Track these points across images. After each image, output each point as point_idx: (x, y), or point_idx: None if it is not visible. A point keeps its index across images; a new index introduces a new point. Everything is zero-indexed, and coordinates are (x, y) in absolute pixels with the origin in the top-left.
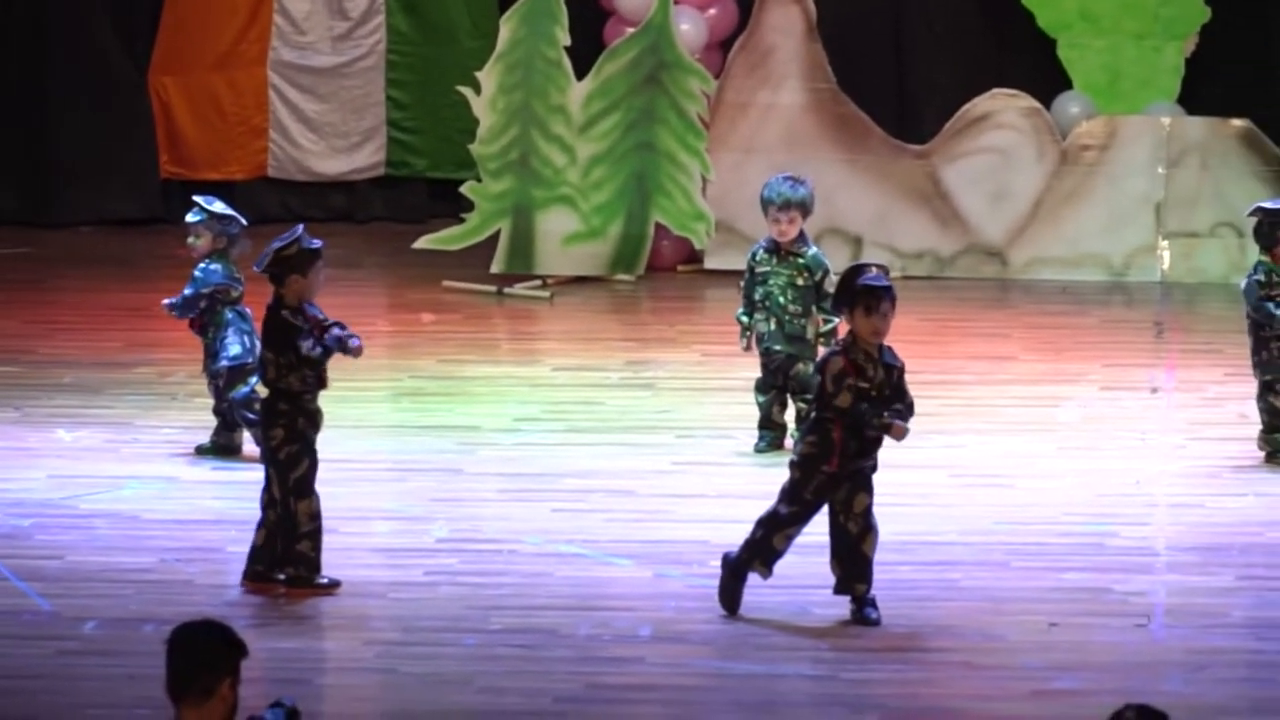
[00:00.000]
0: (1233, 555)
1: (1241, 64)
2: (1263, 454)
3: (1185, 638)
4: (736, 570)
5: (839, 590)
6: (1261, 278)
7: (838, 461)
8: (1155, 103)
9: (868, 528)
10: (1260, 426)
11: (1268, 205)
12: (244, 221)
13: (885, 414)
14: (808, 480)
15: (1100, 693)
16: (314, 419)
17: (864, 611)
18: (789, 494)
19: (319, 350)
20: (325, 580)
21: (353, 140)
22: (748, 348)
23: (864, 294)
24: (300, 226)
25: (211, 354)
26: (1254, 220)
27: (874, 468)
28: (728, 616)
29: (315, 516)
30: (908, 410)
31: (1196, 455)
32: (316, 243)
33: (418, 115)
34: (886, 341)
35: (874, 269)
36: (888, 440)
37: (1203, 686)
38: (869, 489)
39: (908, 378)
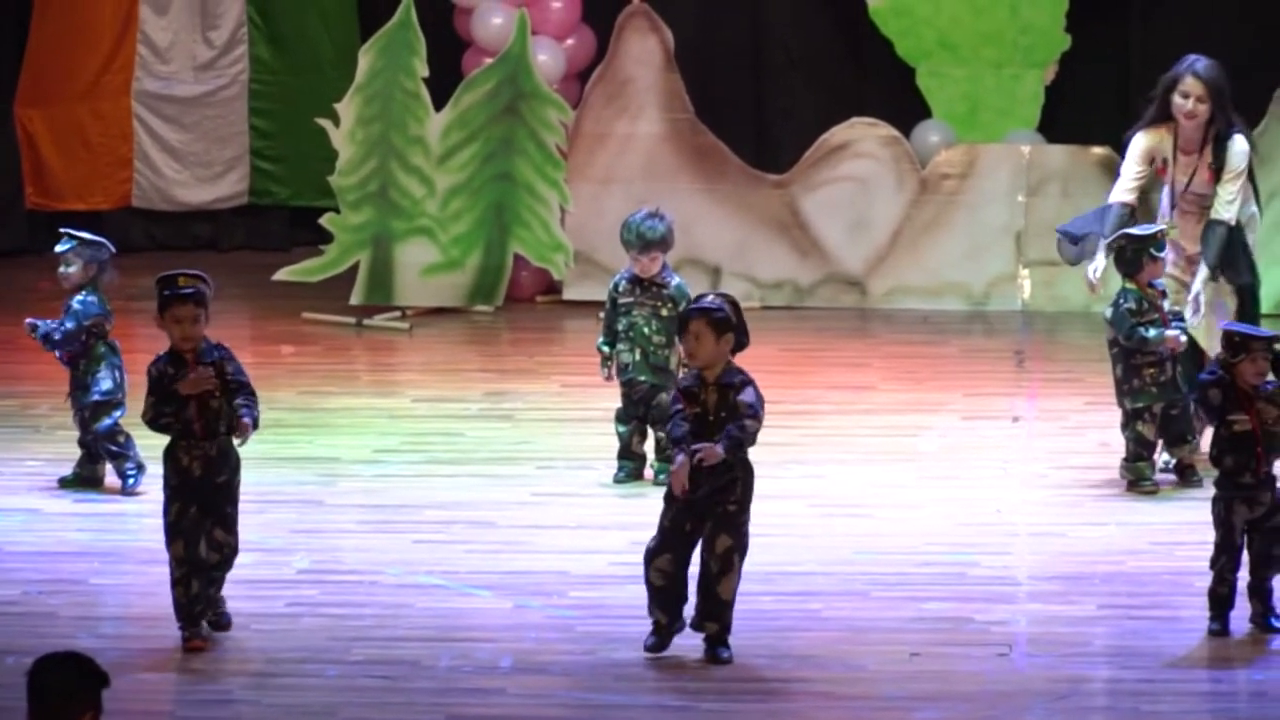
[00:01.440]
0: (1094, 584)
1: (1101, 92)
2: (1125, 482)
3: (1047, 667)
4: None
5: (693, 625)
6: (1132, 305)
7: (687, 492)
8: (1015, 131)
9: (726, 569)
10: (1123, 455)
11: (1134, 231)
12: (113, 249)
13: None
14: (667, 509)
15: None
16: (177, 464)
17: (715, 650)
18: (658, 523)
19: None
20: (186, 635)
21: (216, 170)
22: (609, 377)
23: (680, 316)
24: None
25: (82, 387)
26: (1117, 247)
27: (736, 505)
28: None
29: (181, 562)
30: (738, 431)
31: (1058, 484)
32: (182, 290)
33: (281, 144)
34: (746, 366)
35: (710, 296)
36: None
37: (1064, 716)
38: (731, 531)
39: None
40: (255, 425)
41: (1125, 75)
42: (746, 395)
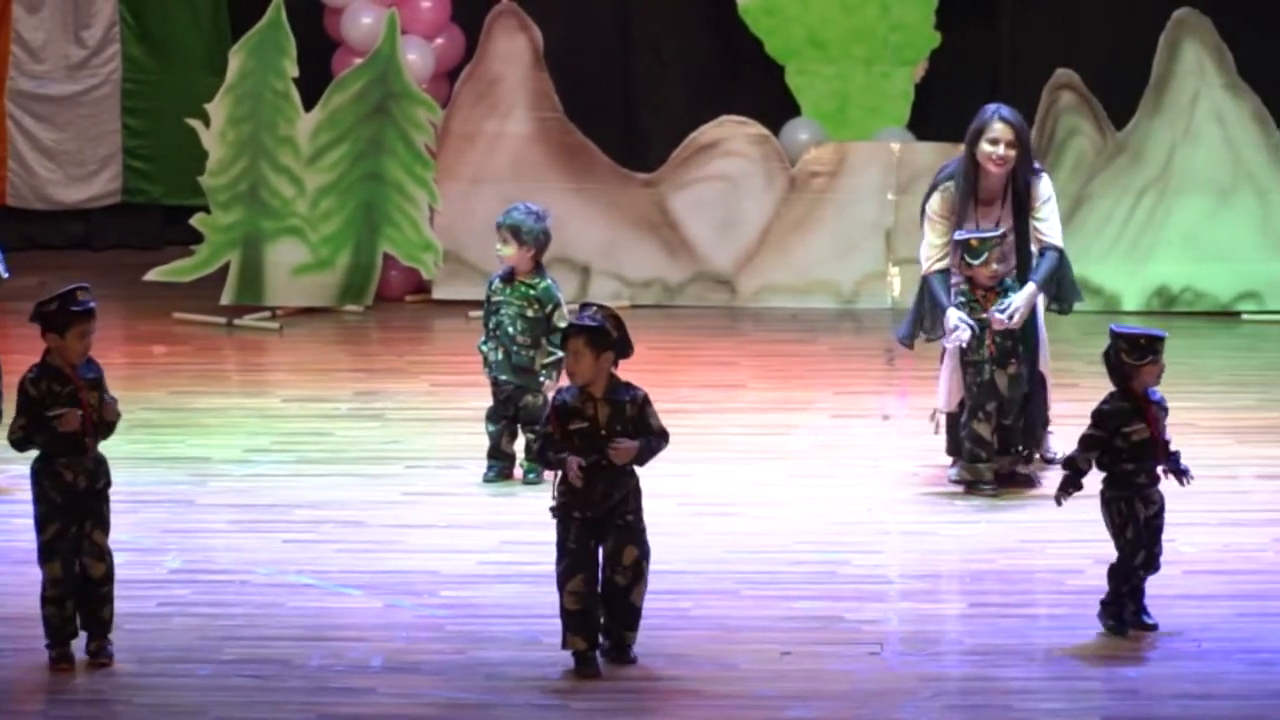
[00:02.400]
0: (965, 582)
1: (971, 89)
2: (963, 484)
3: (918, 665)
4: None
5: (606, 635)
6: (961, 300)
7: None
8: (885, 129)
9: (638, 578)
10: (961, 456)
11: (956, 235)
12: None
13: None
14: (567, 530)
15: None
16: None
17: (625, 654)
18: (557, 548)
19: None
20: (54, 655)
21: (89, 168)
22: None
23: (561, 333)
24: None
25: None
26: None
27: (634, 514)
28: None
29: (57, 583)
30: (655, 444)
31: (929, 482)
32: (89, 304)
33: (153, 143)
34: (623, 376)
35: (592, 310)
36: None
37: (936, 714)
38: (636, 541)
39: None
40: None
41: (995, 73)
42: (656, 419)
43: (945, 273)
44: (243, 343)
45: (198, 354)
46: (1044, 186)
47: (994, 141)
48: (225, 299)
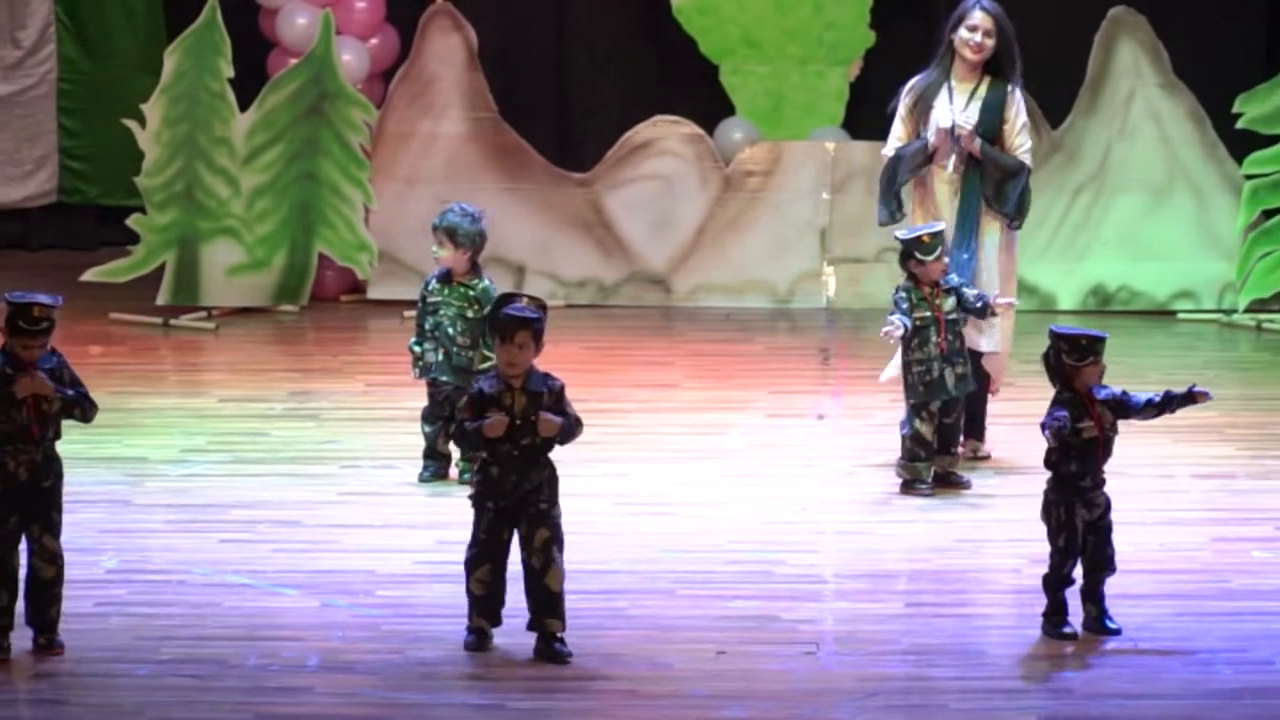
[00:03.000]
0: (901, 582)
1: None
2: (900, 482)
3: (854, 665)
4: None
5: (530, 626)
6: (902, 295)
7: (500, 495)
8: (819, 128)
9: (549, 562)
10: (900, 454)
11: (900, 235)
12: None
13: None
14: (481, 518)
15: None
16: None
17: (554, 647)
18: (470, 536)
19: None
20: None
21: (26, 168)
22: (419, 376)
23: (498, 325)
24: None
25: None
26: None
27: (546, 502)
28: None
29: None
30: (572, 424)
31: (864, 482)
32: (43, 325)
33: (89, 143)
34: (548, 369)
35: (524, 299)
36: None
37: (872, 714)
38: (547, 525)
39: (579, 406)
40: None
41: None
42: (572, 408)
43: (900, 155)
44: (179, 343)
45: (134, 354)
46: (1021, 106)
47: (973, 29)
48: (161, 299)
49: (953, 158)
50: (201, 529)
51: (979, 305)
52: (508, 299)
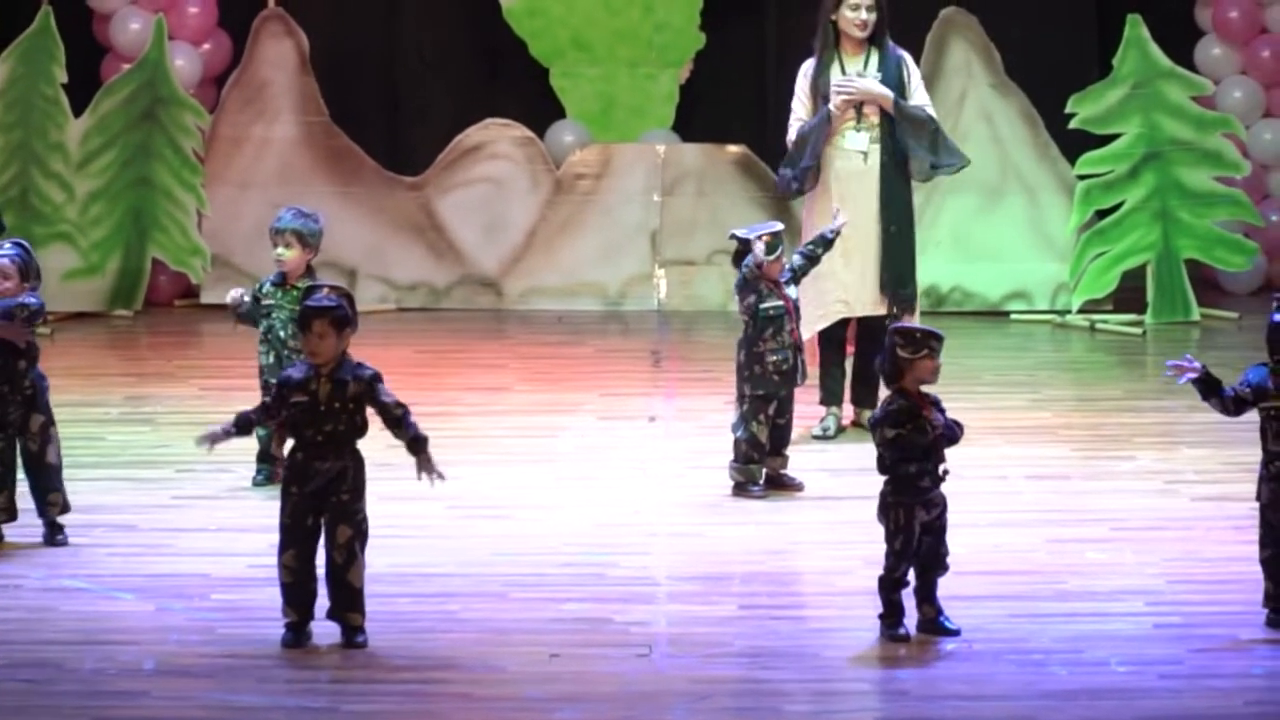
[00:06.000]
0: (734, 584)
1: (737, 90)
2: (733, 485)
3: (688, 667)
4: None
5: (330, 615)
6: (746, 276)
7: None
8: (650, 130)
9: (351, 558)
10: (733, 456)
11: (738, 233)
12: None
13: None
14: (285, 504)
15: None
16: None
17: (353, 638)
18: (279, 523)
19: None
20: None
21: None
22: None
23: (298, 316)
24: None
25: None
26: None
27: (349, 494)
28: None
29: None
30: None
31: (696, 484)
32: None
33: None
34: (382, 371)
35: (325, 289)
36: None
37: (706, 716)
38: (349, 520)
39: (411, 410)
40: None
41: (760, 74)
42: (390, 394)
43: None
44: None
45: None
46: (915, 70)
47: (855, 7)
48: None
49: (862, 132)
50: (37, 533)
51: (830, 237)
52: (311, 291)
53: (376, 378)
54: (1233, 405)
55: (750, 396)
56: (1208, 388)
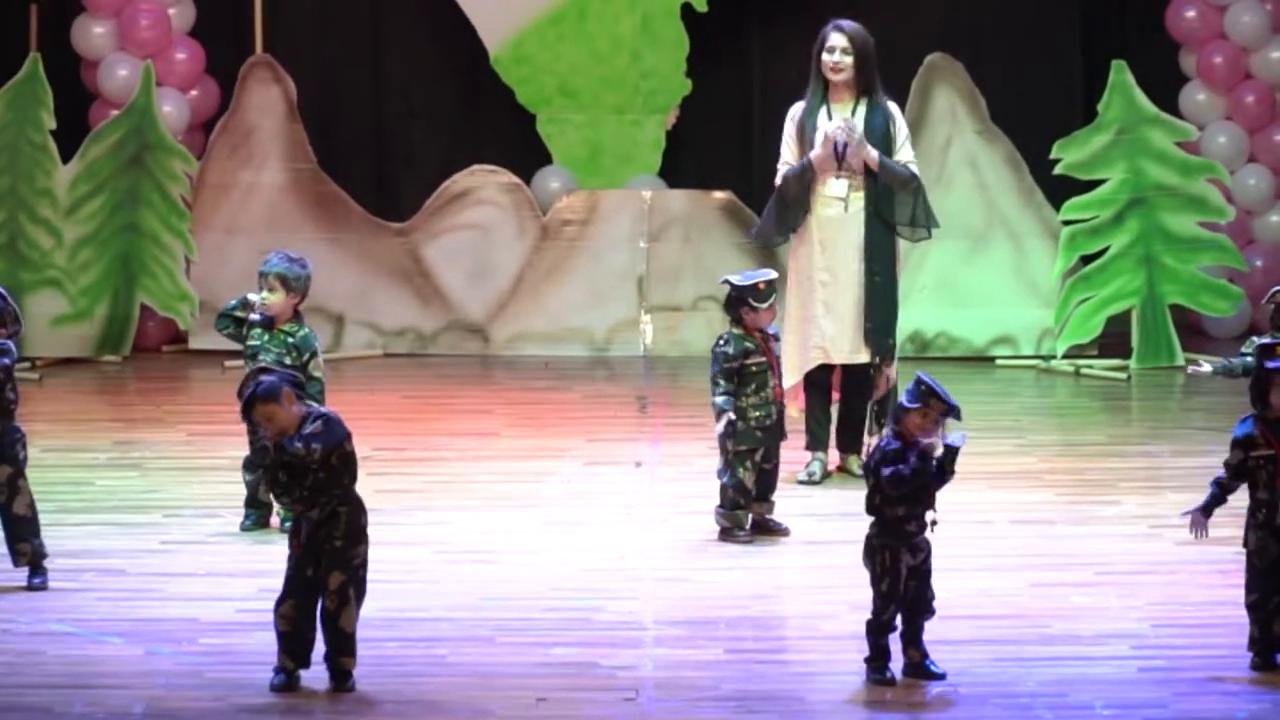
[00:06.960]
0: (721, 629)
1: (723, 136)
2: (719, 530)
3: (674, 711)
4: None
5: (325, 659)
6: (730, 350)
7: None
8: (636, 176)
9: (344, 603)
10: (719, 503)
11: (734, 280)
12: None
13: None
14: (290, 557)
15: None
16: None
17: (343, 682)
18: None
19: None
20: None
21: None
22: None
23: (241, 411)
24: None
25: None
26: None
27: (342, 540)
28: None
29: None
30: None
31: (683, 529)
32: None
33: None
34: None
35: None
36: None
37: None
38: (342, 566)
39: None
40: None
41: (747, 120)
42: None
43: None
44: None
45: None
46: (902, 120)
47: (829, 50)
48: None
49: (842, 179)
50: (23, 577)
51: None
52: (255, 374)
53: (312, 437)
54: (1231, 486)
55: (734, 451)
56: (1216, 504)
